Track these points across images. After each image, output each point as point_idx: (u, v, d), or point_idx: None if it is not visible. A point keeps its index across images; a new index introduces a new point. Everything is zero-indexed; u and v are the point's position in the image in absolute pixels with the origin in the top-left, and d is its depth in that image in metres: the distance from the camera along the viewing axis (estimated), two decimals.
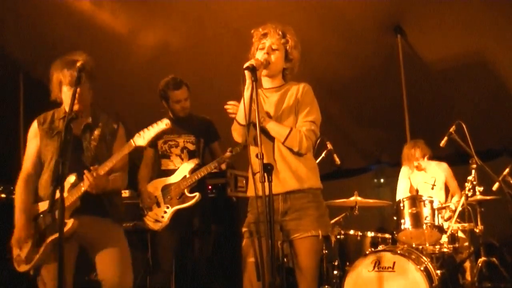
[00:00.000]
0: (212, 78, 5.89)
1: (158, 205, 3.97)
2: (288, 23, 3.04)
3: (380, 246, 4.27)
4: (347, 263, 4.31)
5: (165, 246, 3.99)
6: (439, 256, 4.29)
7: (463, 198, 4.39)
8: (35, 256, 2.93)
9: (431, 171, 5.17)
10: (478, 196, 4.44)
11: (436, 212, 4.37)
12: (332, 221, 4.72)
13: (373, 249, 4.20)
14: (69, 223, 2.87)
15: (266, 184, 2.56)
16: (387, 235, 4.54)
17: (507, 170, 4.64)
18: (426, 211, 4.35)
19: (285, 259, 3.95)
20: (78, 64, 2.85)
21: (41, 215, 2.99)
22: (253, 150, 2.87)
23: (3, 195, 4.86)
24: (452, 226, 4.40)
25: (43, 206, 2.96)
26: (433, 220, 4.32)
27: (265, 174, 2.57)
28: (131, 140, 2.96)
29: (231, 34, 5.59)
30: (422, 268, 3.74)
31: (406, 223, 4.37)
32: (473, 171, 4.42)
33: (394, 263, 3.80)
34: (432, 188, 5.01)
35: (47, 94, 3.14)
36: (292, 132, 2.86)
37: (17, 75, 6.43)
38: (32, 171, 3.08)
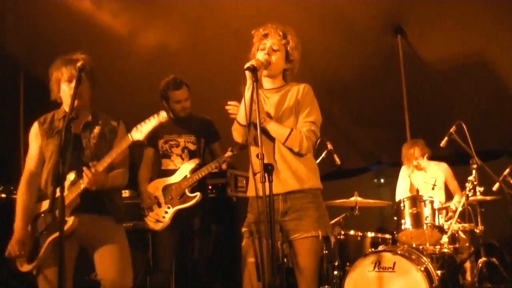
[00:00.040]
0: (212, 78, 5.89)
1: (159, 205, 3.97)
2: (289, 23, 3.04)
3: (380, 247, 4.27)
4: (347, 264, 4.31)
5: (165, 246, 3.99)
6: (439, 257, 4.28)
7: (463, 199, 4.39)
8: (37, 255, 2.92)
9: (431, 171, 5.17)
10: (479, 197, 4.45)
11: (436, 212, 4.37)
12: (332, 222, 4.72)
13: (373, 249, 4.21)
14: (70, 221, 2.87)
15: (267, 184, 2.56)
16: (387, 235, 4.54)
17: (507, 170, 4.65)
18: (426, 211, 4.35)
19: (285, 259, 3.96)
20: (79, 64, 2.85)
21: (42, 214, 2.99)
22: (253, 150, 2.87)
23: (3, 195, 4.86)
24: (453, 226, 4.40)
25: (45, 204, 2.96)
26: (434, 221, 4.32)
27: (266, 174, 2.57)
28: (129, 135, 2.93)
29: (231, 34, 5.59)
30: (422, 269, 3.74)
31: (407, 223, 4.37)
32: (473, 171, 4.42)
33: (394, 263, 3.80)
34: (433, 188, 5.01)
35: (48, 94, 3.15)
36: (293, 132, 2.86)
37: (17, 74, 6.43)
38: (35, 171, 3.08)
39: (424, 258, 4.00)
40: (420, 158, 5.11)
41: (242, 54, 3.02)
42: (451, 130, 4.38)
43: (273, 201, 2.62)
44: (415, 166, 5.16)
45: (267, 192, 2.55)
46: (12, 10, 5.61)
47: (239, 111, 2.87)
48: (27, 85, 6.41)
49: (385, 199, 5.29)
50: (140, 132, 2.90)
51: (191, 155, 4.08)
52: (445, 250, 4.29)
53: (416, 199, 4.43)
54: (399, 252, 3.86)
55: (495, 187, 4.54)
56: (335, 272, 4.44)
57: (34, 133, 3.12)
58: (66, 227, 2.84)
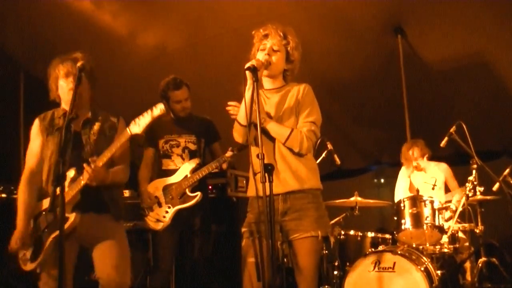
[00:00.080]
0: (212, 78, 5.89)
1: (160, 205, 3.97)
2: (288, 23, 3.05)
3: (380, 247, 4.28)
4: (347, 264, 4.31)
5: (165, 246, 3.99)
6: (439, 257, 4.28)
7: (463, 199, 4.39)
8: (40, 253, 2.92)
9: (431, 171, 5.17)
10: (479, 196, 4.45)
11: (436, 212, 4.36)
12: (332, 222, 4.73)
13: (373, 249, 4.21)
14: (71, 217, 2.87)
15: (267, 184, 2.57)
16: (387, 235, 4.55)
17: (507, 170, 4.64)
18: (426, 211, 4.34)
19: (285, 259, 3.96)
20: (79, 64, 2.86)
21: (44, 213, 2.98)
22: (253, 151, 2.88)
23: (3, 195, 4.86)
24: (453, 226, 4.40)
25: (46, 203, 2.95)
26: (434, 221, 4.32)
27: (266, 174, 2.57)
28: (127, 129, 2.92)
29: (231, 34, 5.59)
30: (422, 269, 3.74)
31: (407, 223, 4.37)
32: (473, 171, 4.42)
33: (394, 263, 3.80)
34: (433, 189, 5.00)
35: (48, 94, 3.15)
36: (293, 132, 2.86)
37: (17, 74, 6.43)
38: (35, 170, 3.08)
39: (424, 258, 4.00)
40: (420, 159, 5.11)
41: (242, 54, 3.02)
42: (451, 130, 4.39)
43: (273, 201, 2.62)
44: (415, 167, 5.16)
45: (267, 192, 2.56)
46: (12, 10, 5.61)
47: (239, 111, 2.88)
48: (27, 85, 6.41)
49: (385, 199, 5.28)
50: (138, 126, 2.89)
51: (192, 155, 4.09)
52: (445, 250, 4.29)
53: (416, 199, 4.42)
54: (399, 252, 3.86)
55: (495, 187, 4.54)
56: (335, 272, 4.45)
57: (36, 130, 3.12)
58: (68, 224, 2.85)
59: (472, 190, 4.40)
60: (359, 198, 4.65)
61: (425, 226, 4.29)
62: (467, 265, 4.68)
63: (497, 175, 4.56)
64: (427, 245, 4.24)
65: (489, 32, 5.40)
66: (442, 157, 5.28)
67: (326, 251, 4.34)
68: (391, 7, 5.36)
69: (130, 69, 6.16)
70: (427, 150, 5.14)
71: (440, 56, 5.77)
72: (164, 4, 5.51)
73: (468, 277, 4.67)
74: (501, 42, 5.49)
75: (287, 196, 2.87)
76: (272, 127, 2.89)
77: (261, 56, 2.89)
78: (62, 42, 5.40)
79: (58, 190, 2.53)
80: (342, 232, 4.51)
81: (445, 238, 4.37)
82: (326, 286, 4.39)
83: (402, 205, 4.42)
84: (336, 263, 4.46)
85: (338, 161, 4.68)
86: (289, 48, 2.97)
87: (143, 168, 4.12)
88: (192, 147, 4.12)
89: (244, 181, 5.23)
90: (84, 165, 2.86)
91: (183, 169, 3.99)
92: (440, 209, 4.42)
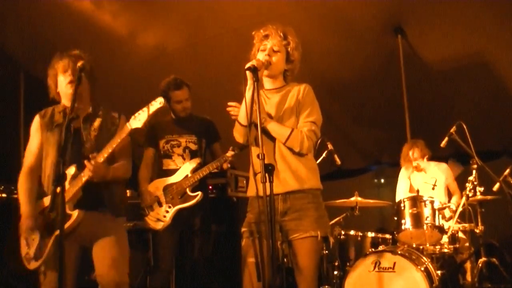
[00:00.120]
0: (212, 78, 5.89)
1: (160, 205, 3.97)
2: (288, 23, 3.05)
3: (381, 247, 4.28)
4: (348, 264, 4.32)
5: (165, 246, 3.99)
6: (439, 257, 4.29)
7: (464, 199, 4.39)
8: (44, 251, 2.91)
9: (431, 171, 5.17)
10: (479, 197, 4.44)
11: (436, 212, 4.36)
12: (333, 222, 4.73)
13: (373, 249, 4.21)
14: (74, 215, 2.87)
15: (267, 184, 2.57)
16: (387, 236, 4.55)
17: (507, 170, 4.64)
18: (426, 212, 4.34)
19: (285, 259, 3.96)
20: (79, 64, 2.87)
21: (45, 211, 2.98)
22: (254, 151, 2.88)
23: (3, 195, 4.86)
24: (453, 226, 4.40)
25: (47, 201, 2.95)
26: (434, 221, 4.32)
27: (266, 175, 2.57)
28: (127, 124, 2.91)
29: (231, 34, 5.59)
30: (422, 269, 3.74)
31: (407, 223, 4.37)
32: (473, 172, 4.42)
33: (394, 263, 3.80)
34: (433, 189, 5.00)
35: (48, 94, 3.15)
36: (293, 132, 2.86)
37: (17, 74, 6.43)
38: (34, 165, 3.08)
39: (424, 258, 4.00)
40: (420, 160, 5.11)
41: (242, 54, 3.03)
42: (452, 130, 4.39)
43: (273, 201, 2.62)
44: (414, 167, 5.16)
45: (268, 192, 2.56)
46: (12, 10, 5.61)
47: (240, 111, 2.88)
48: (27, 85, 6.41)
49: (385, 199, 5.28)
50: (138, 120, 2.87)
51: (193, 155, 4.09)
52: (445, 250, 4.29)
53: (416, 199, 4.42)
54: (399, 252, 3.86)
55: (496, 187, 4.54)
56: (335, 272, 4.45)
57: (35, 127, 3.12)
58: (71, 221, 2.85)
59: (472, 190, 4.41)
60: (359, 198, 4.65)
61: (425, 226, 4.29)
62: (467, 265, 4.68)
63: (497, 175, 4.56)
64: (427, 245, 4.24)
65: (489, 32, 5.39)
66: (442, 157, 5.28)
67: (326, 251, 4.34)
68: (391, 7, 5.35)
69: (130, 69, 6.16)
70: (427, 150, 5.14)
71: (440, 56, 5.77)
72: (164, 4, 5.51)
73: (468, 277, 4.67)
74: (501, 42, 5.49)
75: (287, 196, 2.87)
76: (273, 127, 2.89)
77: (261, 56, 2.90)
78: (62, 42, 5.39)
79: (58, 189, 2.53)
80: (342, 232, 4.51)
81: (445, 238, 4.37)
82: (326, 286, 4.39)
83: (402, 205, 4.42)
84: (336, 263, 4.46)
85: (338, 161, 4.68)
86: (289, 49, 2.98)
87: (143, 168, 4.12)
88: (193, 147, 4.12)
89: (244, 181, 5.23)
90: (85, 161, 2.85)
91: (184, 169, 3.99)
92: (440, 209, 4.42)
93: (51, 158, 3.01)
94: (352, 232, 4.52)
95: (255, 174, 2.81)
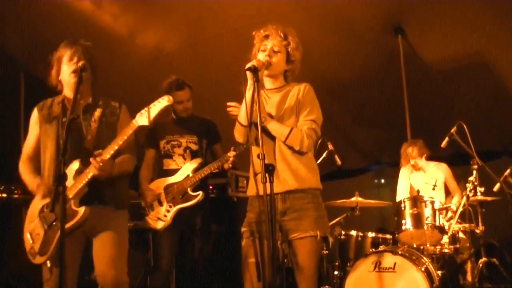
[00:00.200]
0: (212, 78, 5.89)
1: (161, 204, 3.97)
2: (288, 23, 3.05)
3: (381, 247, 4.27)
4: (348, 264, 4.31)
5: (165, 246, 3.99)
6: (439, 257, 4.29)
7: (464, 199, 4.38)
8: (50, 246, 2.89)
9: (431, 171, 5.17)
10: (479, 197, 4.44)
11: (437, 212, 4.36)
12: (333, 222, 4.73)
13: (373, 249, 4.20)
14: (80, 211, 2.86)
15: (267, 184, 2.57)
16: (388, 236, 4.54)
17: (508, 171, 4.64)
18: (427, 212, 4.34)
19: (285, 260, 3.96)
20: (80, 64, 2.87)
21: (46, 209, 2.97)
22: (254, 151, 2.87)
23: (3, 195, 4.87)
24: (453, 226, 4.40)
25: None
26: (434, 221, 4.32)
27: (267, 175, 2.57)
28: (133, 121, 2.88)
29: (231, 34, 5.58)
30: (422, 269, 3.73)
31: (407, 223, 4.37)
32: (474, 172, 4.42)
33: (394, 263, 3.80)
34: (433, 189, 5.01)
35: (48, 94, 3.14)
36: (293, 131, 2.86)
37: (17, 74, 6.42)
38: (32, 155, 3.09)
39: (424, 258, 4.00)
40: (418, 158, 5.11)
41: (242, 54, 3.03)
42: (452, 130, 4.38)
43: (274, 201, 2.62)
44: (412, 166, 5.16)
45: (268, 192, 2.56)
46: (12, 10, 5.61)
47: (240, 111, 2.88)
48: (27, 85, 6.41)
49: (386, 199, 5.29)
50: (145, 118, 2.84)
51: (194, 155, 4.09)
52: (446, 250, 4.29)
53: (416, 200, 4.42)
54: (399, 253, 3.86)
55: (496, 187, 4.54)
56: (336, 272, 4.45)
57: (34, 120, 3.12)
58: (77, 218, 2.85)
59: (473, 191, 4.40)
60: (359, 199, 4.65)
61: (425, 227, 4.29)
62: (468, 265, 4.68)
63: (497, 175, 4.56)
64: (428, 245, 4.24)
65: (489, 32, 5.39)
66: (443, 157, 5.28)
67: (326, 251, 4.34)
68: (391, 7, 5.35)
69: (130, 69, 6.16)
70: (426, 150, 5.14)
71: (440, 56, 5.77)
72: (164, 4, 5.51)
73: (469, 277, 4.67)
74: (501, 42, 5.49)
75: (286, 196, 2.87)
76: (272, 126, 2.89)
77: (261, 56, 2.90)
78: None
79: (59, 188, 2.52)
80: (343, 232, 4.51)
81: (445, 239, 4.37)
82: (326, 286, 4.38)
83: (402, 205, 4.42)
84: (337, 263, 4.46)
85: (338, 161, 4.68)
86: (289, 49, 2.98)
87: (144, 169, 4.12)
88: (194, 147, 4.12)
89: (245, 181, 5.24)
90: (91, 159, 2.84)
91: (185, 169, 3.99)
92: (440, 210, 4.41)
93: (50, 152, 3.00)
94: (352, 232, 4.52)
95: (255, 174, 2.81)
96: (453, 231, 4.42)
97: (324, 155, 4.63)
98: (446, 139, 4.39)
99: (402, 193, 5.23)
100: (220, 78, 5.62)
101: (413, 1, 5.30)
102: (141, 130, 2.95)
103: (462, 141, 4.37)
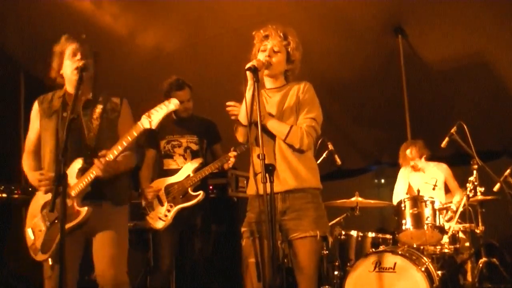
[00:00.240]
0: (212, 78, 5.89)
1: (161, 204, 3.97)
2: (288, 23, 3.05)
3: (381, 247, 4.27)
4: (348, 264, 4.31)
5: (165, 246, 3.99)
6: (440, 257, 4.29)
7: (464, 199, 4.38)
8: (52, 244, 2.88)
9: (431, 171, 5.17)
10: (479, 197, 4.44)
11: (437, 212, 4.36)
12: (333, 222, 4.73)
13: (374, 249, 4.20)
14: (83, 212, 2.85)
15: (267, 183, 2.57)
16: (388, 236, 4.54)
17: (508, 171, 4.64)
18: (427, 212, 4.34)
19: (285, 260, 3.96)
20: (80, 64, 2.86)
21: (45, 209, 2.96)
22: (254, 150, 2.87)
23: (3, 195, 4.87)
24: (453, 226, 4.39)
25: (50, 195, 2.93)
26: (434, 221, 4.32)
27: (267, 175, 2.57)
28: (139, 123, 2.82)
29: (231, 34, 5.58)
30: (423, 269, 3.73)
31: (407, 223, 4.36)
32: (474, 172, 4.42)
33: (395, 263, 3.80)
34: (434, 189, 5.00)
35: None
36: (293, 129, 2.87)
37: (17, 74, 6.42)
38: (35, 149, 3.08)
39: (424, 258, 4.00)
40: (417, 159, 5.11)
41: (242, 54, 3.03)
42: (452, 130, 4.38)
43: (274, 201, 2.62)
44: (412, 167, 5.16)
45: (268, 191, 2.56)
46: (12, 10, 5.60)
47: (240, 111, 2.88)
48: (27, 85, 6.40)
49: (386, 199, 5.28)
50: (152, 121, 2.78)
51: (194, 155, 4.10)
52: (446, 250, 4.30)
53: (417, 200, 4.42)
54: (399, 253, 3.86)
55: (496, 187, 4.54)
56: (336, 272, 4.45)
57: (34, 113, 3.11)
58: (79, 218, 2.84)
59: (473, 191, 4.40)
60: (360, 199, 4.65)
61: (425, 227, 4.29)
62: (468, 265, 4.68)
63: (497, 175, 4.55)
64: (428, 245, 4.24)
65: (489, 32, 5.39)
66: (443, 157, 5.28)
67: (326, 251, 4.34)
68: (391, 7, 5.35)
69: (130, 69, 6.15)
70: (426, 150, 5.14)
71: (440, 56, 5.77)
72: (164, 4, 5.51)
73: (469, 277, 4.67)
74: (501, 42, 5.49)
75: (286, 195, 2.87)
76: (272, 125, 2.89)
77: (262, 57, 2.90)
78: None
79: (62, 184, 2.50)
80: (343, 232, 4.51)
81: (445, 239, 4.37)
82: (327, 286, 4.38)
83: (402, 205, 4.42)
84: (337, 263, 4.46)
85: (339, 161, 4.68)
86: (289, 49, 2.98)
87: (145, 169, 4.13)
88: (194, 147, 4.12)
89: (245, 181, 5.24)
90: (95, 160, 2.82)
91: (186, 169, 4.00)
92: (440, 210, 4.41)
93: (50, 146, 2.98)
94: (352, 232, 4.52)
95: (255, 174, 2.82)
96: (453, 231, 4.42)
97: (324, 155, 4.63)
98: (446, 139, 4.39)
99: (399, 193, 5.23)
100: (220, 78, 5.62)
101: (413, 1, 5.30)
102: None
103: (462, 141, 4.36)
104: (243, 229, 2.94)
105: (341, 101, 6.53)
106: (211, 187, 4.83)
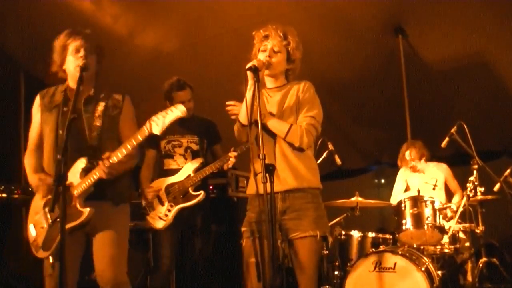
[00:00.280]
0: (212, 78, 5.88)
1: (162, 204, 3.97)
2: (288, 23, 3.05)
3: (381, 247, 4.26)
4: (348, 264, 4.31)
5: (165, 245, 3.99)
6: (440, 257, 4.29)
7: (464, 199, 4.38)
8: (53, 243, 2.87)
9: (431, 172, 5.16)
10: (479, 197, 4.44)
11: (437, 212, 4.36)
12: (333, 222, 4.73)
13: (374, 249, 4.20)
14: (85, 213, 2.84)
15: (268, 183, 2.57)
16: (388, 236, 4.54)
17: (508, 171, 4.63)
18: (427, 212, 4.34)
19: (285, 260, 3.96)
20: (81, 64, 2.86)
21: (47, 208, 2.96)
22: (254, 150, 2.87)
23: (3, 195, 4.87)
24: (453, 226, 4.39)
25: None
26: (434, 221, 4.32)
27: (267, 175, 2.57)
28: (144, 127, 2.78)
29: (231, 34, 5.58)
30: (423, 269, 3.73)
31: (407, 223, 4.36)
32: (474, 172, 4.42)
33: (395, 263, 3.80)
34: (434, 189, 5.00)
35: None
36: (293, 127, 2.87)
37: (17, 74, 6.42)
38: (38, 144, 3.07)
39: (424, 258, 4.00)
40: (416, 160, 5.10)
41: (242, 54, 3.03)
42: (452, 130, 4.38)
43: (274, 200, 2.62)
44: (411, 168, 5.16)
45: (268, 191, 2.56)
46: (12, 10, 5.60)
47: (241, 111, 2.88)
48: (27, 85, 6.40)
49: (385, 199, 5.28)
50: (157, 126, 2.74)
51: (194, 155, 4.10)
52: (446, 250, 4.29)
53: (417, 200, 4.42)
54: (399, 253, 3.86)
55: (496, 187, 4.54)
56: (336, 272, 4.45)
57: (36, 107, 3.10)
58: (81, 219, 2.84)
59: (473, 191, 4.40)
60: (360, 199, 4.64)
61: (426, 227, 4.29)
62: (468, 265, 4.68)
63: (497, 175, 4.55)
64: (428, 245, 4.24)
65: (489, 32, 5.40)
66: (443, 157, 5.28)
67: (327, 251, 4.34)
68: (391, 7, 5.35)
69: (130, 69, 6.15)
70: (425, 151, 5.13)
71: (440, 56, 5.77)
72: (164, 4, 5.50)
73: (469, 277, 4.67)
74: (501, 42, 5.49)
75: (286, 195, 2.87)
76: (272, 123, 2.90)
77: (262, 57, 2.90)
78: None
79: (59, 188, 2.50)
80: (343, 232, 4.51)
81: (445, 239, 4.37)
82: (327, 286, 4.38)
83: (403, 205, 4.42)
84: (337, 263, 4.46)
85: (339, 161, 4.67)
86: (289, 48, 2.98)
87: (145, 169, 4.13)
88: (195, 147, 4.13)
89: (245, 181, 5.24)
90: (100, 162, 2.80)
91: (186, 169, 4.00)
92: (441, 210, 4.41)
93: (49, 142, 2.97)
94: (352, 232, 4.51)
95: (255, 174, 2.82)
96: (453, 231, 4.42)
97: (324, 155, 4.63)
98: (446, 139, 4.38)
99: (397, 194, 5.23)
100: (220, 78, 5.63)
101: (413, 1, 5.30)
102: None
103: (462, 141, 4.36)
104: (243, 229, 2.94)
105: (341, 101, 6.52)
106: (211, 187, 4.83)
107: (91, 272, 3.52)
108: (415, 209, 4.36)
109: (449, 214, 4.51)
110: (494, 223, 4.68)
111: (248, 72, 2.75)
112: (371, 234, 4.51)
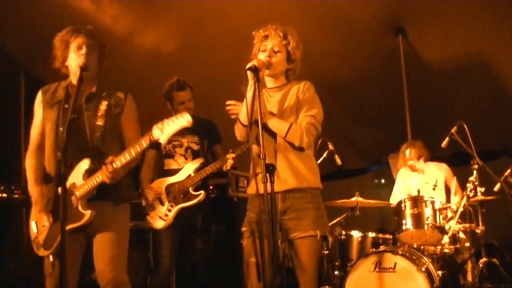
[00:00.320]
0: (212, 78, 5.88)
1: (162, 203, 3.97)
2: (288, 23, 3.05)
3: (381, 247, 4.27)
4: (348, 264, 4.31)
5: (165, 245, 3.99)
6: (440, 257, 4.29)
7: (464, 199, 4.38)
8: (54, 242, 2.86)
9: (431, 172, 5.16)
10: (480, 197, 4.44)
11: (437, 212, 4.36)
12: (333, 222, 4.73)
13: (374, 249, 4.20)
14: (87, 215, 2.84)
15: (268, 183, 2.57)
16: (388, 236, 4.54)
17: (508, 171, 4.63)
18: (427, 212, 4.34)
19: (285, 260, 3.96)
20: (81, 63, 2.85)
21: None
22: (255, 150, 2.87)
23: (3, 195, 4.87)
24: (454, 226, 4.39)
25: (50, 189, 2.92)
26: (435, 221, 4.32)
27: (267, 175, 2.57)
28: (149, 135, 2.75)
29: (231, 34, 5.58)
30: (423, 269, 3.74)
31: (408, 223, 4.36)
32: (474, 172, 4.42)
33: (395, 263, 3.81)
34: (434, 189, 5.00)
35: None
36: (292, 126, 2.87)
37: (17, 74, 6.41)
38: (40, 141, 3.05)
39: (425, 258, 4.00)
40: (415, 160, 5.10)
41: (242, 54, 3.03)
42: (452, 130, 4.38)
43: (275, 201, 2.62)
44: (409, 167, 5.16)
45: (268, 191, 2.56)
46: (12, 10, 5.60)
47: (241, 111, 2.88)
48: (27, 85, 6.40)
49: (386, 199, 5.28)
50: (162, 134, 2.71)
51: (195, 155, 4.10)
52: (446, 250, 4.29)
53: (417, 200, 4.42)
54: (400, 253, 3.86)
55: (496, 187, 4.54)
56: (336, 272, 4.45)
57: (38, 103, 3.08)
58: (82, 221, 2.83)
59: (473, 191, 4.40)
60: (360, 199, 4.64)
61: (426, 227, 4.29)
62: (468, 265, 4.67)
63: (497, 175, 4.55)
64: (428, 245, 4.24)
65: (489, 32, 5.40)
66: (443, 157, 5.28)
67: (327, 251, 4.34)
68: (391, 7, 5.36)
69: (130, 69, 6.15)
70: (425, 151, 5.13)
71: (440, 56, 5.77)
72: (164, 4, 5.50)
73: (469, 277, 4.67)
74: (501, 42, 5.50)
75: (286, 195, 2.87)
76: (272, 123, 2.90)
77: (262, 57, 2.90)
78: None
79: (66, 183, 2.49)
80: (343, 232, 4.51)
81: (446, 239, 4.37)
82: (327, 286, 4.38)
83: (403, 205, 4.42)
84: (337, 263, 4.46)
85: (339, 161, 4.67)
86: (289, 48, 2.98)
87: (145, 169, 4.13)
88: (195, 147, 4.13)
89: (245, 181, 5.24)
90: (103, 166, 2.78)
91: (186, 169, 4.00)
92: (441, 210, 4.41)
93: (50, 140, 2.96)
94: (352, 232, 4.51)
95: (255, 174, 2.82)
96: (454, 231, 4.42)
97: (324, 155, 4.63)
98: (447, 139, 4.38)
99: (396, 194, 5.23)
100: (220, 78, 5.63)
101: (413, 1, 5.30)
102: (142, 130, 2.90)
103: (463, 141, 4.36)
104: (243, 229, 2.94)
105: (341, 101, 6.52)
106: (211, 187, 4.83)
107: (91, 272, 3.51)
108: (415, 209, 4.36)
109: (449, 214, 4.51)
110: (494, 223, 4.68)
111: (248, 72, 2.75)
112: (371, 234, 4.51)
